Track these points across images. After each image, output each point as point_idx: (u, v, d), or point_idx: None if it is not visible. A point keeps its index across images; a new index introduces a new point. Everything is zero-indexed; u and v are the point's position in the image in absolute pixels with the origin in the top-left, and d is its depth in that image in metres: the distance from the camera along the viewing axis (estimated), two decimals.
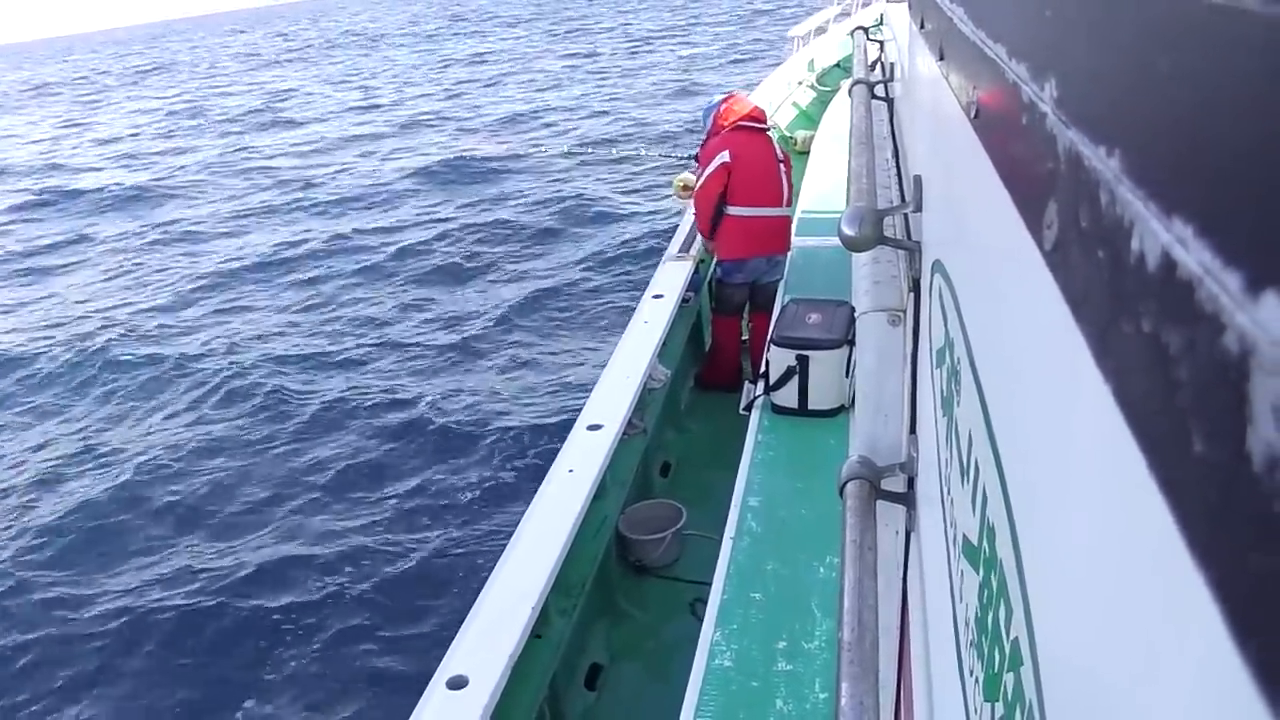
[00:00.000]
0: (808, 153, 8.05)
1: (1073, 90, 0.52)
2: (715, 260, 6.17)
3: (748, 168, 5.83)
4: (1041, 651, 0.63)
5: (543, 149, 15.54)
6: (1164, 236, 0.34)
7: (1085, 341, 0.47)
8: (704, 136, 6.19)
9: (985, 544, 0.86)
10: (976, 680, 0.88)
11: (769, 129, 6.13)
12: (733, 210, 5.88)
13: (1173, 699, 0.39)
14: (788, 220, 6.02)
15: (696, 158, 6.32)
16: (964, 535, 1.00)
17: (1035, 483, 0.67)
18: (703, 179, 5.90)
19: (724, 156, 5.80)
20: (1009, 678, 0.72)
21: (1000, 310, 0.83)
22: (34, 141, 22.35)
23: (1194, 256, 0.32)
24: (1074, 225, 0.48)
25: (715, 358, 6.34)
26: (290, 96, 23.77)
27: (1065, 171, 0.51)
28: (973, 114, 0.93)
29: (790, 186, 5.98)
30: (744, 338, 6.28)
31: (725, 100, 6.15)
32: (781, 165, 5.94)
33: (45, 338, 10.06)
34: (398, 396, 7.97)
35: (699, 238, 6.26)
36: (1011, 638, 0.71)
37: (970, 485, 0.96)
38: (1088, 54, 0.49)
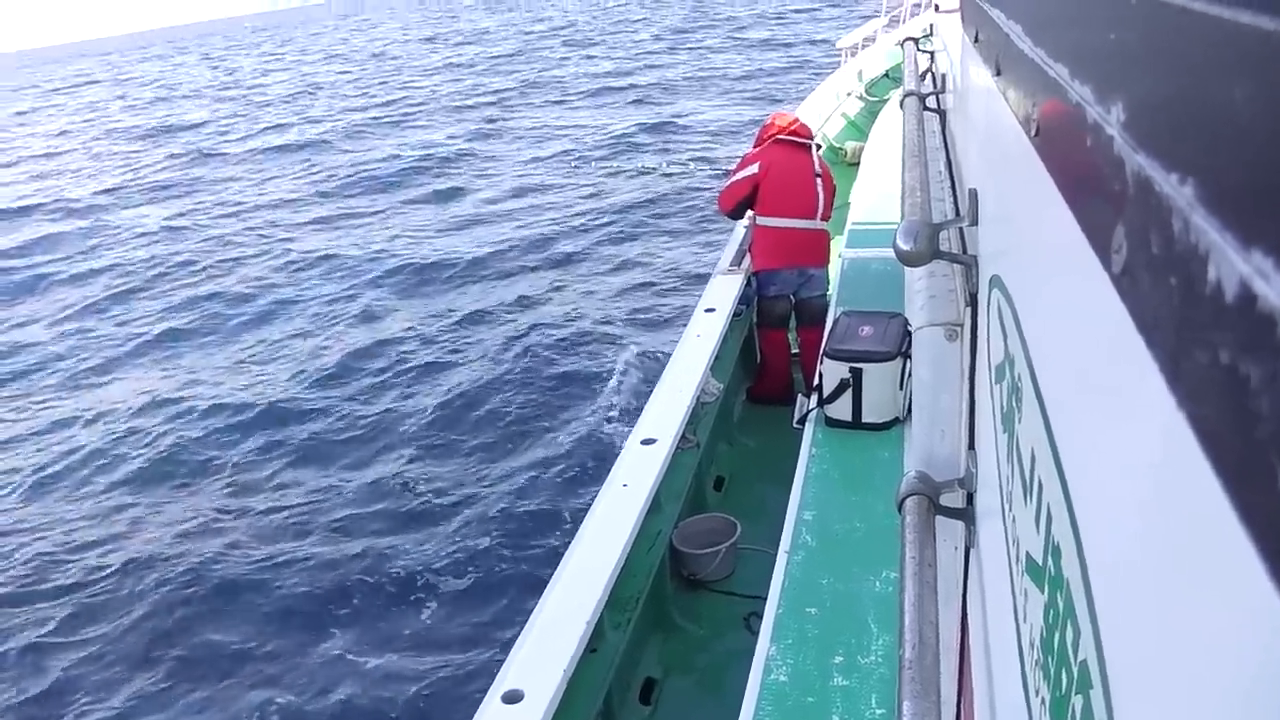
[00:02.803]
0: (857, 164, 8.01)
1: (1141, 114, 0.51)
2: (752, 274, 6.29)
3: (779, 181, 6.02)
4: (1112, 674, 0.62)
5: (587, 165, 15.58)
6: (1243, 268, 0.34)
7: (1157, 366, 0.46)
8: (753, 145, 6.43)
9: (1050, 562, 0.85)
10: (1043, 701, 0.87)
11: (811, 144, 6.22)
12: (764, 220, 6.08)
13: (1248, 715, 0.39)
14: (822, 234, 6.14)
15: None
16: (1027, 553, 0.99)
17: (1102, 503, 0.67)
18: (731, 180, 6.23)
19: (753, 169, 6.07)
20: (1077, 700, 0.71)
21: (1065, 329, 0.82)
22: None
23: (1275, 289, 0.31)
24: (1144, 250, 0.48)
25: (764, 372, 6.39)
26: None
27: (1134, 195, 0.50)
28: (1033, 131, 0.92)
29: (829, 201, 6.10)
30: (794, 351, 6.30)
31: (774, 116, 6.39)
32: (819, 180, 6.08)
33: None
34: (452, 409, 8.03)
35: (749, 252, 6.33)
36: (1080, 660, 0.71)
37: (1033, 503, 0.95)
38: (1157, 78, 0.48)
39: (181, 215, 14.82)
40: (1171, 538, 0.47)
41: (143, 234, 14.03)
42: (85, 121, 23.72)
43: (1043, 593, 0.88)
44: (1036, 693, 0.91)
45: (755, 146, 6.32)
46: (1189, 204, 0.40)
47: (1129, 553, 0.58)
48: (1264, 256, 0.32)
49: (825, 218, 6.11)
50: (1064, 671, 0.76)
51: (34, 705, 5.17)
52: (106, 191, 16.75)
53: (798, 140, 6.15)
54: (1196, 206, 0.40)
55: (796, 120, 6.31)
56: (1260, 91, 0.35)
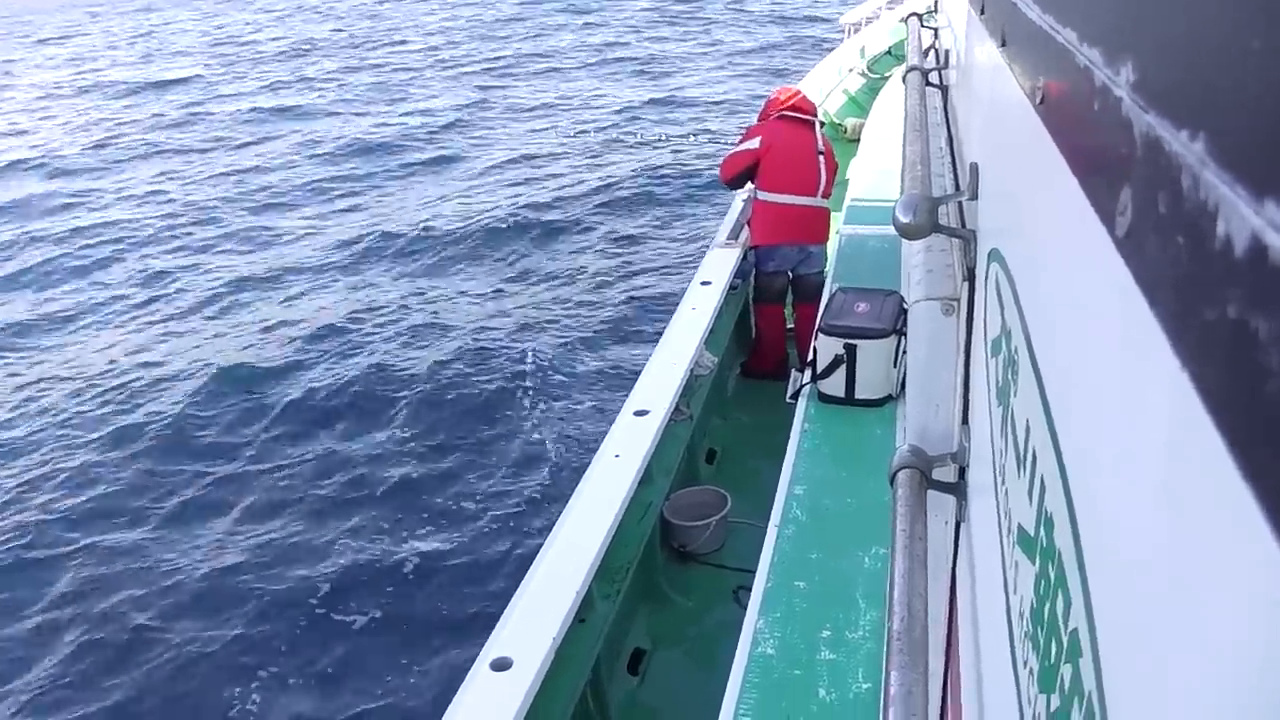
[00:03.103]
0: (857, 140, 7.98)
1: (1152, 73, 0.51)
2: (750, 249, 6.29)
3: (781, 156, 6.02)
4: (1103, 642, 0.62)
5: (583, 135, 15.46)
6: (1254, 221, 0.33)
7: (1161, 328, 0.46)
8: (757, 119, 6.44)
9: (1042, 534, 0.85)
10: (1031, 672, 0.87)
11: (815, 121, 6.22)
12: (764, 196, 6.08)
13: (1241, 687, 0.38)
14: (822, 211, 6.14)
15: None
16: (1019, 525, 0.99)
17: (1099, 472, 0.66)
18: (732, 151, 6.24)
19: (754, 144, 6.07)
20: (1066, 669, 0.71)
21: (1064, 298, 0.82)
22: None
23: None
24: (1151, 211, 0.47)
25: (759, 347, 6.41)
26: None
27: (1142, 156, 0.50)
28: (1038, 100, 0.92)
29: (830, 179, 6.09)
30: (789, 327, 6.31)
31: (778, 91, 6.41)
32: (821, 157, 6.08)
33: None
34: (438, 379, 8.00)
35: (746, 226, 6.32)
36: (1070, 629, 0.71)
37: (1026, 475, 0.95)
38: (1169, 35, 0.48)
39: (166, 177, 14.41)
40: (1173, 502, 0.47)
41: (127, 196, 13.68)
42: (74, 74, 23.18)
43: (1034, 564, 0.89)
44: (1025, 664, 0.91)
45: (760, 120, 6.32)
46: (1199, 160, 0.40)
47: (1125, 520, 0.57)
48: (1277, 208, 0.32)
49: (826, 195, 6.11)
50: (1054, 641, 0.77)
51: None
52: (92, 149, 16.30)
53: (801, 116, 6.14)
54: (1207, 162, 0.39)
55: (801, 95, 6.32)
56: (1272, 42, 0.34)
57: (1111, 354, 0.60)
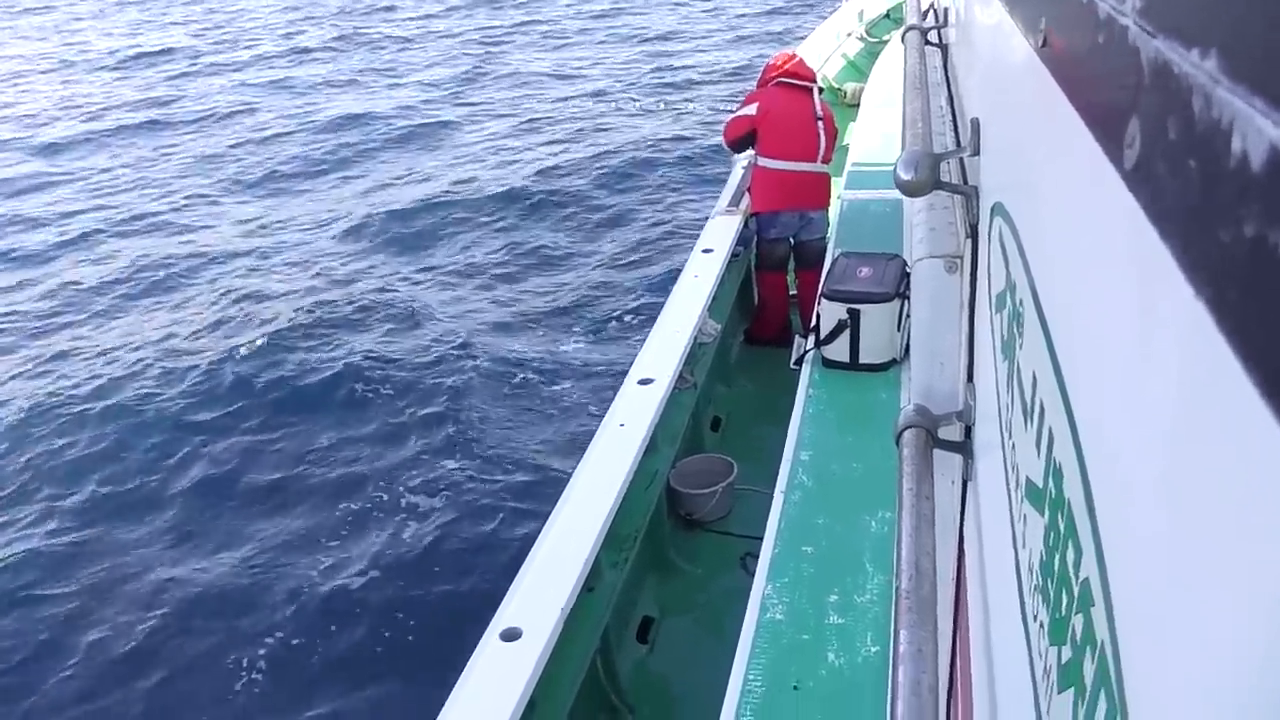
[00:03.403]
0: (856, 105, 7.94)
1: None
2: (751, 216, 6.29)
3: (779, 122, 6.02)
4: (1115, 590, 0.61)
5: (580, 103, 15.33)
6: (1272, 133, 0.32)
7: (1173, 258, 0.45)
8: (756, 84, 6.45)
9: (1051, 485, 0.84)
10: (1041, 625, 0.86)
11: (813, 87, 6.20)
12: (764, 162, 6.08)
13: (1264, 626, 0.37)
14: (822, 177, 6.14)
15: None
16: (1027, 478, 0.98)
17: (1110, 416, 0.65)
18: (732, 116, 6.25)
19: (751, 110, 6.08)
20: (1078, 620, 0.71)
21: (1070, 243, 0.81)
22: None
23: None
24: (1160, 138, 0.46)
25: (762, 314, 6.42)
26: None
27: (1150, 84, 0.49)
28: (1040, 43, 0.90)
29: (830, 144, 6.08)
30: (792, 293, 6.30)
31: (776, 57, 6.39)
32: (820, 122, 6.06)
33: None
34: (444, 349, 7.99)
35: (747, 193, 6.31)
36: (1081, 578, 0.70)
37: (1034, 427, 0.95)
38: None
39: (155, 153, 14.13)
40: (1190, 434, 0.46)
41: (110, 171, 13.47)
42: (59, 45, 22.72)
43: (1043, 516, 0.88)
44: (1035, 617, 0.90)
45: (758, 87, 6.32)
46: (1211, 78, 0.39)
47: (1138, 463, 0.56)
48: None
49: (826, 160, 6.10)
50: (1064, 592, 0.76)
51: None
52: (77, 122, 16.07)
53: (799, 82, 6.12)
54: (1220, 79, 0.38)
55: (798, 60, 6.30)
56: None
57: (1121, 292, 0.59)
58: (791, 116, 6.03)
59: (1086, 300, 0.74)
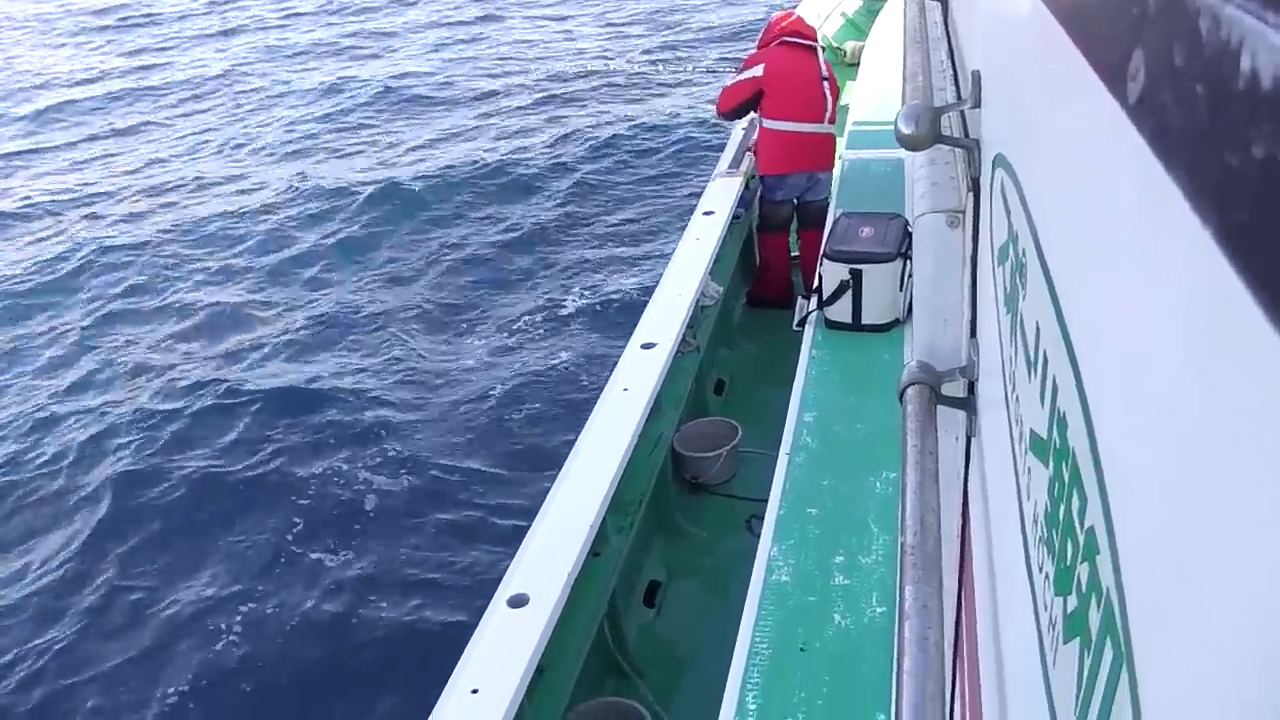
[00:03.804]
0: (856, 64, 7.87)
1: None
2: (757, 177, 6.24)
3: (785, 84, 5.92)
4: (1120, 537, 0.60)
5: (576, 61, 15.13)
6: None
7: (1179, 189, 0.44)
8: (756, 46, 6.33)
9: (1055, 435, 0.83)
10: (1047, 576, 0.86)
11: (817, 46, 6.13)
12: (770, 124, 6.00)
13: (1260, 572, 0.37)
14: (829, 137, 6.08)
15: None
16: (1031, 430, 0.98)
17: (1113, 358, 0.65)
18: (734, 81, 6.11)
19: (757, 71, 5.96)
20: (1083, 568, 0.70)
21: (1072, 187, 0.80)
22: None
23: None
24: (1165, 67, 0.45)
25: (764, 275, 6.39)
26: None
27: (1154, 11, 0.47)
28: None
29: (835, 104, 6.01)
30: (794, 254, 6.27)
31: (777, 16, 6.28)
32: (826, 83, 5.99)
33: None
34: (447, 316, 7.99)
35: (748, 154, 6.26)
36: (1086, 527, 0.69)
37: (1038, 378, 0.94)
38: None
39: (131, 127, 13.66)
40: (1197, 369, 0.45)
41: (86, 143, 13.17)
42: (37, 4, 22.02)
43: (1047, 467, 0.87)
44: (1040, 569, 0.90)
45: (759, 48, 6.22)
46: None
47: (1143, 402, 0.55)
48: None
49: (832, 120, 6.04)
50: (1069, 541, 0.75)
51: None
52: (52, 90, 15.68)
53: (803, 42, 6.04)
54: None
55: (800, 19, 6.22)
56: None
57: (1126, 231, 0.58)
58: (798, 76, 5.95)
59: (1090, 244, 0.73)
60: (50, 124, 14.31)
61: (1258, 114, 0.34)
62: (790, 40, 6.01)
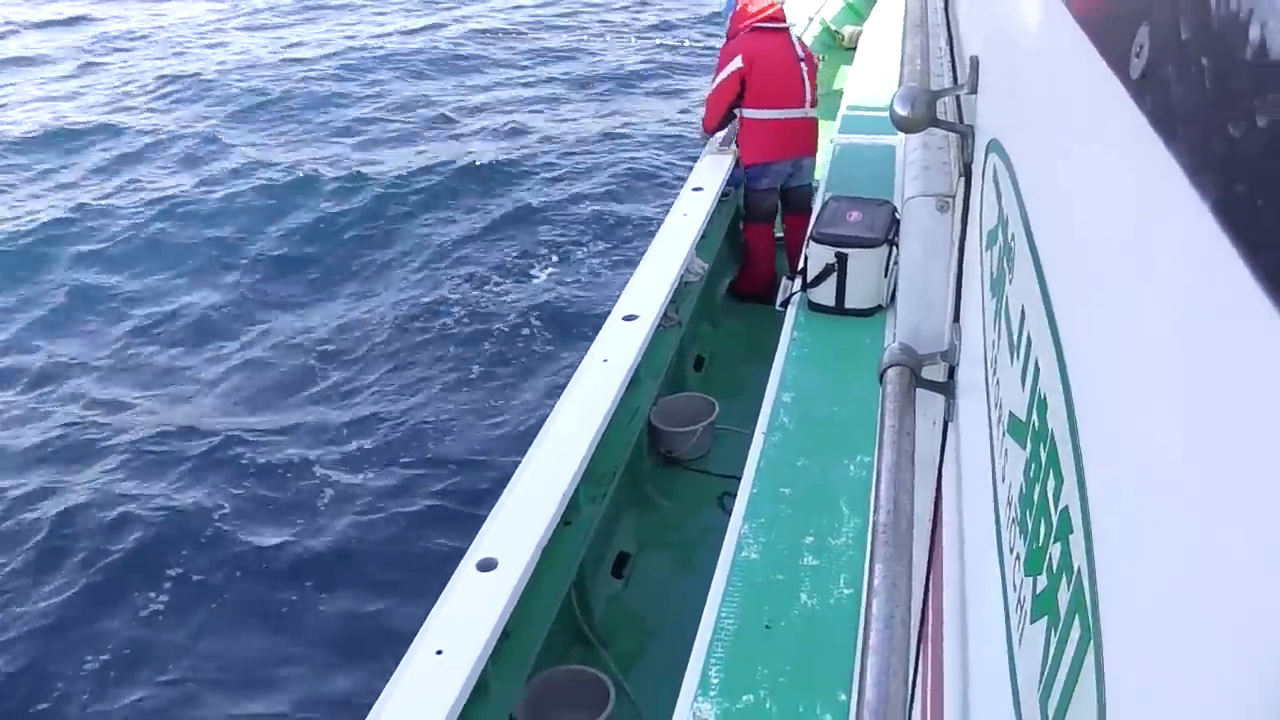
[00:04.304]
0: (854, 49, 7.85)
1: None
2: (741, 167, 6.09)
3: (765, 70, 5.80)
4: (1094, 516, 0.61)
5: (560, 35, 14.88)
6: None
7: (1178, 163, 0.44)
8: (725, 38, 6.11)
9: (1035, 417, 0.84)
10: (1018, 557, 0.86)
11: (788, 27, 5.99)
12: (751, 113, 5.88)
13: (1236, 556, 0.37)
14: (811, 122, 5.99)
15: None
16: (1010, 413, 0.98)
17: (1100, 341, 0.65)
18: (717, 83, 5.92)
19: (737, 63, 5.80)
20: (1055, 548, 0.71)
21: (1068, 168, 0.80)
22: None
23: None
24: (1172, 40, 0.45)
25: (748, 268, 6.29)
26: None
27: None
28: None
29: (814, 87, 5.92)
30: (778, 236, 6.22)
31: (743, 3, 6.00)
32: (803, 65, 5.88)
33: None
34: (427, 295, 7.94)
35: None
36: (1060, 507, 0.70)
37: (1020, 362, 0.94)
38: None
39: (103, 104, 13.31)
40: (1190, 347, 0.45)
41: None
42: None
43: (1024, 449, 0.88)
44: (1011, 550, 0.90)
45: (729, 38, 6.01)
46: None
47: (1129, 383, 0.56)
48: None
49: (813, 104, 5.95)
50: (1043, 522, 0.76)
51: None
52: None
53: (775, 26, 5.88)
54: None
55: (770, 3, 5.99)
56: None
57: (1120, 209, 0.58)
58: (775, 62, 5.81)
59: (1081, 225, 0.73)
60: None
61: (1265, 83, 0.34)
62: (762, 25, 5.84)
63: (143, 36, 16.00)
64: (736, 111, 5.97)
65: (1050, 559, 0.72)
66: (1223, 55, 0.38)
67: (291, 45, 14.90)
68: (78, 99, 13.11)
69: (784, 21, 5.97)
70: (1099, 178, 0.66)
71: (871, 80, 6.08)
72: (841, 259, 4.13)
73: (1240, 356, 0.37)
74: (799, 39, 6.05)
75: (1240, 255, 0.36)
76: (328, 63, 14.15)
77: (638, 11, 16.65)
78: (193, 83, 13.50)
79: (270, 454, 5.99)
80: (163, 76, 13.78)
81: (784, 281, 4.44)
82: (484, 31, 15.78)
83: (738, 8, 5.97)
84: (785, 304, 4.30)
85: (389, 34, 15.49)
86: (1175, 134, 0.45)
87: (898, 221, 3.87)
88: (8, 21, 16.92)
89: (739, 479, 3.31)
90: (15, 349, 7.42)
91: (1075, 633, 0.62)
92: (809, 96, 5.89)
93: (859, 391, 3.54)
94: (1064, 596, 0.66)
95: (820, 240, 4.18)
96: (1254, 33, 0.35)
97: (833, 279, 4.16)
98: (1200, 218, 0.40)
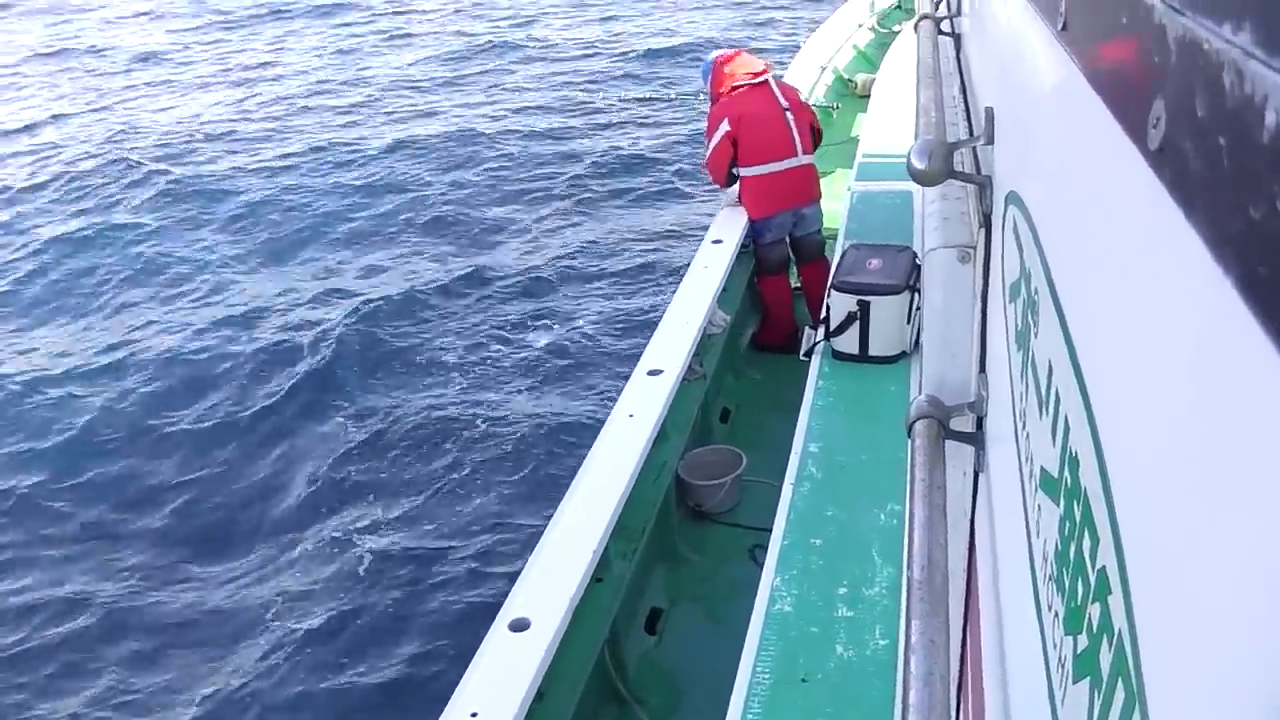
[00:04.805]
0: (867, 96, 7.91)
1: None
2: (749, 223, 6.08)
3: (751, 128, 5.83)
4: (1133, 578, 0.61)
5: (569, 88, 14.88)
6: None
7: (1199, 238, 0.44)
8: (709, 100, 6.18)
9: (1067, 474, 0.84)
10: (1056, 615, 0.86)
11: (768, 78, 6.00)
12: (747, 171, 5.92)
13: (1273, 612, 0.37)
14: (808, 169, 5.99)
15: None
16: (1041, 468, 0.98)
17: (1128, 402, 0.65)
18: (710, 149, 5.96)
19: (725, 126, 5.83)
20: (1094, 609, 0.70)
21: (1088, 229, 0.80)
22: None
23: None
24: (1188, 117, 0.46)
25: (768, 321, 6.27)
26: None
27: (1176, 61, 0.48)
28: (1059, 27, 0.89)
29: (805, 134, 5.93)
30: (795, 286, 6.22)
31: (720, 62, 6.09)
32: (789, 114, 5.89)
33: None
34: (448, 341, 7.97)
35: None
36: (1098, 567, 0.69)
37: (1050, 417, 0.94)
38: None
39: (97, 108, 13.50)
40: (1213, 418, 0.45)
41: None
42: None
43: (1058, 505, 0.87)
44: (1049, 607, 0.90)
45: (713, 101, 6.08)
46: (1244, 53, 0.38)
47: (1158, 448, 0.56)
48: None
49: (807, 150, 5.95)
50: (1080, 581, 0.75)
51: None
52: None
53: (754, 80, 5.92)
54: (1253, 53, 0.37)
55: (744, 57, 6.08)
56: None
57: (1143, 277, 0.59)
58: (759, 118, 5.84)
59: (1105, 287, 0.74)
60: None
61: None
62: (741, 84, 5.89)
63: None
64: (734, 171, 6.00)
65: (1090, 619, 0.71)
66: (1240, 136, 0.39)
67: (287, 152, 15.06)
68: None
69: (762, 73, 6.00)
70: (1121, 240, 0.67)
71: (887, 127, 6.10)
72: (864, 307, 4.14)
73: (1265, 424, 0.38)
74: (778, 86, 6.04)
75: (1264, 330, 0.37)
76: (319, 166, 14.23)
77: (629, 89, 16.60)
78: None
79: (301, 524, 6.00)
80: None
81: (807, 331, 4.44)
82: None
83: (714, 71, 6.05)
84: (809, 353, 4.30)
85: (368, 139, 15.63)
86: (1195, 209, 0.46)
87: (919, 267, 3.87)
88: None
89: (769, 531, 3.29)
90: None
91: (1119, 696, 0.61)
92: (799, 145, 5.89)
93: (886, 439, 3.52)
94: (1106, 659, 0.65)
95: (842, 289, 4.19)
96: (1270, 118, 0.35)
97: (856, 327, 4.16)
98: (1224, 293, 0.41)
